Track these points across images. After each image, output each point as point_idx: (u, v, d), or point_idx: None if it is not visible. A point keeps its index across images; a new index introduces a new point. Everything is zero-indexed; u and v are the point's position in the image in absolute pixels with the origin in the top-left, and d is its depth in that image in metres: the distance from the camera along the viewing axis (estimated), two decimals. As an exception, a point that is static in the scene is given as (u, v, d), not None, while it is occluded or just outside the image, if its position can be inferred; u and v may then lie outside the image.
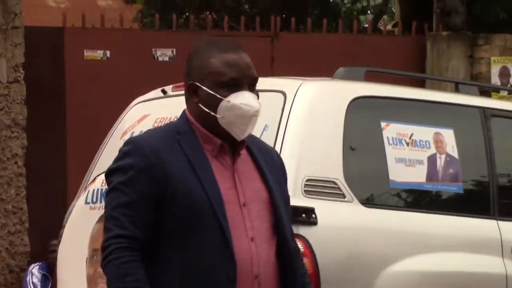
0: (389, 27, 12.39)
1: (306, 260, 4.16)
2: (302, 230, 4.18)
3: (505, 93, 8.37)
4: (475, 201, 4.79)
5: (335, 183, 4.40)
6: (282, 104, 4.57)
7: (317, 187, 4.33)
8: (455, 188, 4.77)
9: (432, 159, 4.71)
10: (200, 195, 2.23)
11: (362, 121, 4.64)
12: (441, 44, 9.21)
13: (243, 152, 2.34)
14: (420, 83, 6.87)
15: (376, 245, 4.46)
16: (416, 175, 4.67)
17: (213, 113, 2.26)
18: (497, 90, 8.49)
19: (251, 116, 2.30)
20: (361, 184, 4.53)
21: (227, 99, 2.24)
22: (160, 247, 2.28)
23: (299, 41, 8.80)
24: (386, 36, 10.33)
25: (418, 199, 4.88)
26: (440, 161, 4.82)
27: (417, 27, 9.13)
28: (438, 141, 4.79)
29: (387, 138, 4.60)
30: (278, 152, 3.81)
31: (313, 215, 4.29)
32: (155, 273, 2.28)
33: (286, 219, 2.41)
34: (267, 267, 2.31)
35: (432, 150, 4.77)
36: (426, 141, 4.79)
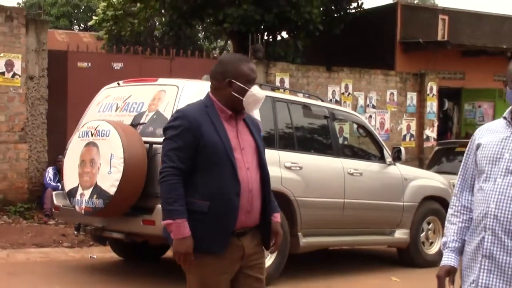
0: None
1: None
2: None
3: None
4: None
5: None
6: (176, 92, 6.30)
7: None
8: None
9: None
10: (220, 144, 3.19)
11: None
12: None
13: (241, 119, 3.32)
14: None
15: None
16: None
17: (241, 98, 3.26)
18: (277, 88, 10.94)
19: (260, 100, 3.32)
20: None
21: (251, 90, 3.27)
22: (194, 175, 3.19)
23: (185, 62, 11.75)
24: None
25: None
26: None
27: None
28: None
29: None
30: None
31: None
32: (190, 191, 3.16)
33: (264, 158, 3.38)
34: (255, 184, 3.29)
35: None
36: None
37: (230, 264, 3.24)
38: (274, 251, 3.54)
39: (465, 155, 3.04)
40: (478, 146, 2.93)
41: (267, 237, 3.39)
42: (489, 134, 2.92)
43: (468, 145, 3.03)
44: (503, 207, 2.76)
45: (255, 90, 3.27)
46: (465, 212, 2.99)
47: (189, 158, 3.14)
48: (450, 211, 3.07)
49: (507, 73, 2.88)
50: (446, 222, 3.09)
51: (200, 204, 3.15)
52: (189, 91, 6.24)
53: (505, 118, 2.91)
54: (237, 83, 3.23)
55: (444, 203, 8.27)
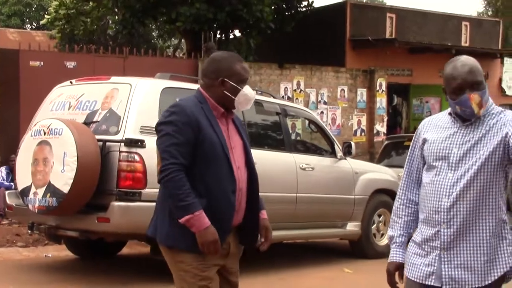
0: (181, 55, 17.59)
1: (139, 165, 5.87)
2: (138, 150, 5.95)
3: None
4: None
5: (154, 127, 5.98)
6: (129, 90, 6.31)
7: (145, 129, 5.97)
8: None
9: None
10: (217, 141, 3.15)
11: (168, 98, 6.03)
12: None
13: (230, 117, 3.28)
14: (196, 81, 8.17)
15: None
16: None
17: (233, 97, 3.22)
18: None
19: (251, 99, 3.30)
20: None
21: (243, 90, 3.24)
22: (192, 170, 3.10)
23: (139, 61, 11.94)
24: (180, 59, 15.02)
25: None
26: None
27: (194, 55, 12.98)
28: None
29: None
30: (127, 113, 6.02)
31: (144, 143, 5.99)
32: (191, 184, 3.06)
33: (252, 158, 3.36)
34: (244, 183, 3.28)
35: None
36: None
37: (219, 259, 3.22)
38: (265, 247, 3.42)
39: (410, 148, 3.09)
40: (424, 140, 2.98)
41: (254, 235, 3.35)
42: (435, 130, 2.97)
43: (413, 139, 3.08)
44: (456, 201, 2.83)
45: (247, 90, 3.25)
46: (411, 205, 3.05)
47: (189, 154, 3.08)
48: (396, 204, 3.11)
49: (444, 81, 2.94)
50: (392, 215, 3.15)
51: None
52: (142, 89, 6.29)
53: (450, 114, 2.97)
54: (230, 82, 3.21)
55: (393, 195, 7.79)
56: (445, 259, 2.86)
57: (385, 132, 15.84)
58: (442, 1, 48.32)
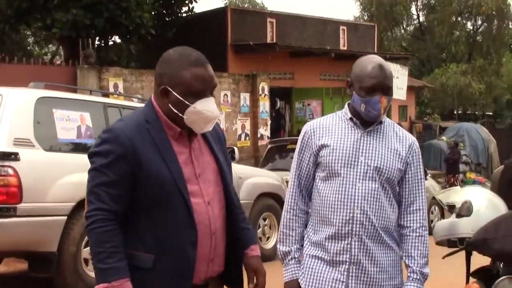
0: (58, 62, 16.98)
1: (13, 179, 5.57)
2: (12, 163, 5.65)
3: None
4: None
5: (29, 139, 5.85)
6: (0, 101, 6.02)
7: (20, 142, 5.78)
8: (90, 141, 6.28)
9: (79, 127, 6.45)
10: (167, 175, 2.34)
11: (43, 108, 6.11)
12: (84, 72, 12.61)
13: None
14: (74, 90, 8.33)
15: (60, 168, 5.99)
16: (71, 135, 6.38)
17: (180, 115, 2.38)
18: (110, 93, 11.02)
19: (211, 119, 2.43)
20: (44, 140, 6.02)
21: (193, 105, 2.37)
22: (135, 216, 2.35)
23: (12, 69, 11.45)
24: (58, 66, 14.47)
25: (72, 148, 6.40)
26: (83, 128, 6.52)
27: (72, 63, 12.78)
28: (82, 119, 6.56)
29: (56, 117, 6.27)
30: None
31: (18, 156, 5.66)
32: (129, 240, 2.33)
33: (231, 181, 2.57)
34: (219, 222, 2.46)
35: (79, 123, 6.48)
36: (75, 118, 6.48)
37: None
38: None
39: (298, 154, 2.88)
40: (322, 147, 2.79)
41: (238, 282, 2.60)
42: (334, 135, 2.82)
43: (300, 144, 2.88)
44: (368, 213, 2.71)
45: (201, 105, 2.40)
46: (302, 215, 2.87)
47: (124, 196, 2.35)
48: (287, 215, 2.88)
49: (355, 76, 2.80)
50: (283, 228, 2.89)
51: (142, 257, 2.36)
52: (15, 99, 6.05)
53: (352, 119, 2.83)
54: (174, 93, 2.39)
55: (278, 199, 8.54)
56: (353, 274, 2.72)
57: (269, 135, 16.06)
58: (320, 6, 49.73)
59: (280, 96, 18.01)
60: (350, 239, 2.72)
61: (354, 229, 2.72)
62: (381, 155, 2.78)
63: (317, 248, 2.79)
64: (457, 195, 3.59)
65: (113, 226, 2.31)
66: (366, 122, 2.82)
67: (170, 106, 2.39)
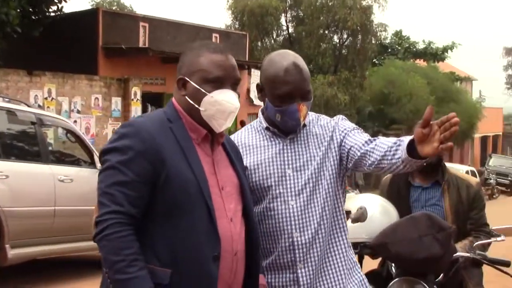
0: None
1: None
2: None
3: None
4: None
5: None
6: None
7: None
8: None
9: None
10: (190, 179, 2.06)
11: None
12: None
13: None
14: None
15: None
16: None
17: (197, 106, 2.12)
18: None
19: (230, 112, 2.15)
20: None
21: (210, 94, 2.12)
22: (151, 225, 2.04)
23: None
24: None
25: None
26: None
27: None
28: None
29: None
30: None
31: None
32: (146, 249, 2.01)
33: (251, 202, 2.29)
34: (241, 244, 2.18)
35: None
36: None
37: None
38: None
39: None
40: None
41: None
42: (249, 151, 2.50)
43: None
44: (309, 234, 2.41)
45: (218, 94, 2.15)
46: None
47: (143, 199, 2.04)
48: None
49: (265, 80, 2.46)
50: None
51: (157, 272, 2.04)
52: None
53: (268, 129, 2.51)
54: (191, 82, 2.18)
55: None
56: None
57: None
58: (193, 12, 49.90)
59: (152, 101, 17.78)
60: (295, 267, 2.42)
61: (299, 255, 2.41)
62: (311, 162, 2.45)
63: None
64: (352, 201, 3.63)
65: (131, 231, 2.00)
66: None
67: (187, 98, 2.17)
